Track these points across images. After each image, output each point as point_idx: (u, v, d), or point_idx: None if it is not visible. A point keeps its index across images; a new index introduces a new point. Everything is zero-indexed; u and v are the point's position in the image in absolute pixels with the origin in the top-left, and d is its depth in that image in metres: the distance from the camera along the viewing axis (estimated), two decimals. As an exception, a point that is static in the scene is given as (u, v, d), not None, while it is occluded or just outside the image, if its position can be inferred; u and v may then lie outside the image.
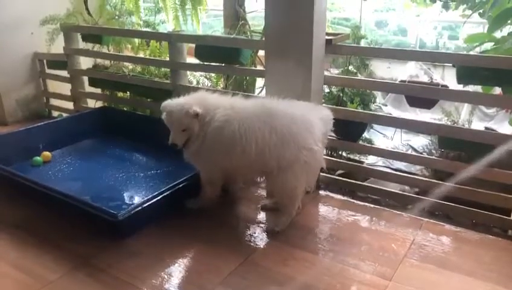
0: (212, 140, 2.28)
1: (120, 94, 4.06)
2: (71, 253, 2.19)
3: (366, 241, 2.28)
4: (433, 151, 3.35)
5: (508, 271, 2.05)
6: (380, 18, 8.94)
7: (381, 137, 4.44)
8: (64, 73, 4.12)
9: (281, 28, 2.53)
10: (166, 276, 2.02)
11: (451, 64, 2.90)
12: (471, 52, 2.90)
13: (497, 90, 2.77)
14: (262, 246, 2.26)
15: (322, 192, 2.77)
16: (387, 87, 3.22)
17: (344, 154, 3.28)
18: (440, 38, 7.97)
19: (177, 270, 2.08)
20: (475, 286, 1.96)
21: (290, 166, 2.21)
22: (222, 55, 3.13)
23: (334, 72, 3.44)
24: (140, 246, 2.24)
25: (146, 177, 2.95)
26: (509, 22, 2.84)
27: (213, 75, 3.91)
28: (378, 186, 2.81)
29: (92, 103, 4.20)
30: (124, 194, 2.79)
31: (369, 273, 2.02)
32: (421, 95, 2.68)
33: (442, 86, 3.96)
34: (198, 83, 3.85)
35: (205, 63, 3.32)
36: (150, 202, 2.32)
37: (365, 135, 3.46)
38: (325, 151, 2.58)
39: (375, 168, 3.24)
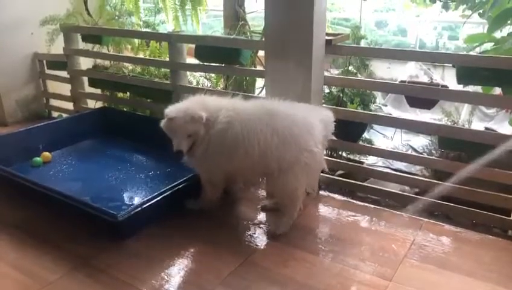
0: (216, 143, 2.26)
1: (120, 95, 4.06)
2: (71, 254, 2.18)
3: (366, 242, 2.28)
4: (433, 152, 3.35)
5: (508, 271, 2.05)
6: (379, 18, 8.95)
7: (381, 137, 4.44)
8: (64, 73, 4.12)
9: (281, 28, 2.53)
10: (166, 276, 2.02)
11: (451, 65, 2.90)
12: (471, 53, 2.90)
13: (497, 91, 2.77)
14: (262, 247, 2.26)
15: (322, 192, 2.77)
16: (387, 88, 3.22)
17: (344, 154, 3.28)
18: (440, 39, 7.98)
19: (177, 271, 2.08)
20: (475, 286, 1.96)
21: (291, 167, 2.20)
22: (222, 56, 3.13)
23: (334, 72, 3.44)
24: (140, 247, 2.24)
25: (146, 178, 2.95)
26: (509, 22, 2.84)
27: (213, 75, 3.91)
28: (378, 187, 2.81)
29: (91, 104, 4.20)
30: (124, 195, 2.79)
31: (369, 274, 2.02)
32: (421, 96, 2.68)
33: (442, 86, 3.96)
34: (198, 83, 3.85)
35: (205, 64, 3.31)
36: (149, 203, 2.31)
37: (365, 135, 3.46)
38: (325, 152, 2.58)
39: (375, 168, 3.24)
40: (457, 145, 2.54)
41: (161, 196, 2.37)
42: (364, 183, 2.88)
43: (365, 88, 3.20)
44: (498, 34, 2.94)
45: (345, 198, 2.73)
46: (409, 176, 2.92)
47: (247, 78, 3.81)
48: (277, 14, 2.52)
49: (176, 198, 2.45)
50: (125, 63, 3.92)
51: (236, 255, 2.15)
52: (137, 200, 2.60)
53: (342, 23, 7.33)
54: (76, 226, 2.38)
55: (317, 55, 2.51)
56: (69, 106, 4.25)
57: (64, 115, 4.20)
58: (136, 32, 4.07)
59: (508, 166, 2.37)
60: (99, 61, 4.09)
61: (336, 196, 2.75)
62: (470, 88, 2.84)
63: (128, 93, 3.93)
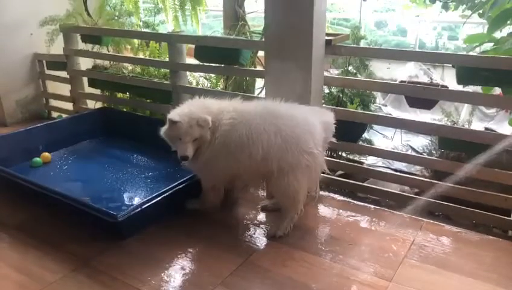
0: (221, 146, 2.24)
1: (120, 95, 4.06)
2: (71, 254, 2.18)
3: (366, 242, 2.27)
4: (433, 152, 3.35)
5: (508, 272, 2.04)
6: (379, 18, 8.96)
7: (381, 137, 4.44)
8: (63, 74, 4.12)
9: (281, 28, 2.53)
10: (166, 277, 2.02)
11: (451, 65, 2.90)
12: (471, 53, 2.91)
13: (497, 91, 2.77)
14: (262, 247, 2.26)
15: (322, 192, 2.77)
16: (387, 88, 3.22)
17: (344, 154, 3.28)
18: (440, 39, 7.99)
19: (176, 271, 2.08)
20: (475, 286, 1.96)
21: (292, 169, 2.20)
22: (222, 56, 3.13)
23: (334, 72, 3.44)
24: (140, 247, 2.24)
25: (146, 178, 2.95)
26: (508, 22, 2.84)
27: (212, 75, 3.91)
28: (378, 187, 2.81)
29: (91, 104, 4.20)
30: (124, 195, 2.78)
31: (369, 274, 2.02)
32: (421, 96, 2.68)
33: (442, 86, 3.97)
34: (197, 83, 3.85)
35: (205, 64, 3.31)
36: (149, 203, 2.31)
37: (365, 135, 3.46)
38: (325, 153, 2.58)
39: (375, 168, 3.24)
40: (457, 145, 2.55)
41: (161, 196, 2.37)
42: (364, 184, 2.88)
43: (365, 88, 3.20)
44: (498, 34, 2.94)
45: (344, 198, 2.73)
46: (409, 176, 2.93)
47: (247, 78, 3.81)
48: (277, 15, 2.52)
49: (175, 198, 2.45)
50: (125, 64, 3.91)
51: (236, 256, 2.15)
52: (137, 201, 2.60)
53: (342, 23, 7.35)
54: (76, 227, 2.38)
55: (317, 55, 2.51)
56: (69, 106, 4.25)
57: (64, 116, 4.19)
58: (136, 32, 4.06)
59: (508, 166, 2.37)
60: (99, 61, 4.08)
61: (335, 196, 2.75)
62: (470, 88, 2.84)
63: (128, 93, 3.93)
